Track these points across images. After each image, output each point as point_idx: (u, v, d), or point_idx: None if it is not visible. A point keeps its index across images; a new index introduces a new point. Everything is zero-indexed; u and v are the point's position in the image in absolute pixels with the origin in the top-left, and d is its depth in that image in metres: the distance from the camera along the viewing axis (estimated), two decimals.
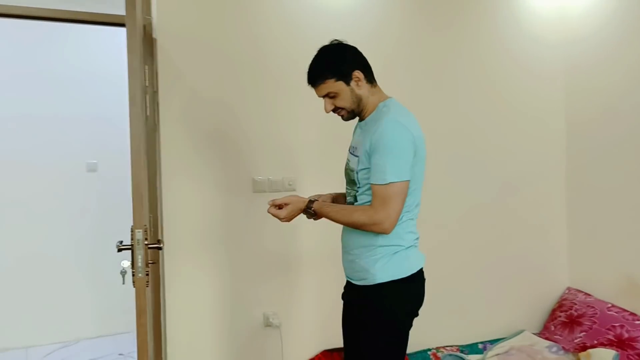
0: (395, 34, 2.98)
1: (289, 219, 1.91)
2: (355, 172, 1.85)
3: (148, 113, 2.56)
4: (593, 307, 3.13)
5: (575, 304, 3.24)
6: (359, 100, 1.86)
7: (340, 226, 1.98)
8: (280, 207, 1.91)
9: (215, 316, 2.72)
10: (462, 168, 3.21)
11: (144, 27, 2.49)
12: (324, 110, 1.92)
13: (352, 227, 1.83)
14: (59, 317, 3.88)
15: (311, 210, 1.89)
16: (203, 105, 2.66)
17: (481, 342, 3.21)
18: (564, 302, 3.35)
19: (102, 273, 3.92)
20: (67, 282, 3.91)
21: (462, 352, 3.09)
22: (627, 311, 2.99)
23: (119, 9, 2.63)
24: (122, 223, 3.28)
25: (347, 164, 1.96)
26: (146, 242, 1.77)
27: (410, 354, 2.91)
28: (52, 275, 3.88)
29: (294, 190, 2.82)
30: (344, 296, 2.06)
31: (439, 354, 2.99)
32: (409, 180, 1.75)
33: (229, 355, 2.75)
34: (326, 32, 2.83)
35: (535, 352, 3.00)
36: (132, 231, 1.77)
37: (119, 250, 1.83)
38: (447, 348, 3.10)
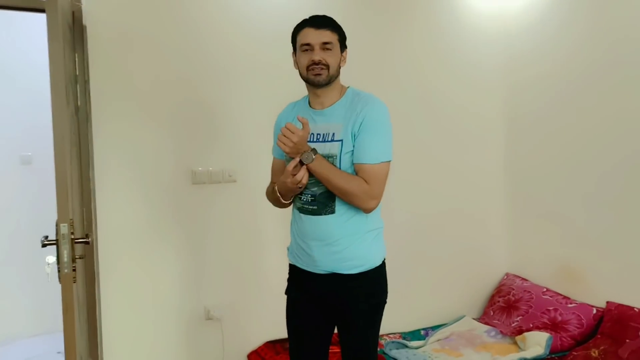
0: None
1: (296, 147, 1.73)
2: (336, 157, 1.79)
3: (79, 103, 2.47)
4: (529, 291, 3.23)
5: (513, 289, 3.34)
6: (337, 71, 1.85)
7: (288, 217, 1.96)
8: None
9: (154, 311, 2.67)
10: (401, 157, 3.21)
11: (73, 13, 2.40)
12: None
13: (341, 192, 1.76)
14: None
15: (314, 155, 1.74)
16: (137, 94, 2.58)
17: (423, 329, 3.27)
18: (502, 287, 3.45)
19: (38, 270, 3.77)
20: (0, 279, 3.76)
21: (404, 338, 3.14)
22: (561, 295, 3.10)
23: None
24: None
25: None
26: (72, 237, 1.71)
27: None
28: None
29: (235, 181, 2.78)
30: (306, 291, 1.95)
31: (382, 342, 3.02)
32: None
33: (169, 349, 2.71)
34: (265, 19, 2.82)
35: (474, 337, 3.08)
36: (56, 225, 1.71)
37: (44, 245, 1.76)
38: (390, 335, 3.14)
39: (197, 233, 2.73)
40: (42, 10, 2.54)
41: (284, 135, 1.73)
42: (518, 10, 3.40)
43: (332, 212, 1.82)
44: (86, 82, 2.49)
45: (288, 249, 2.06)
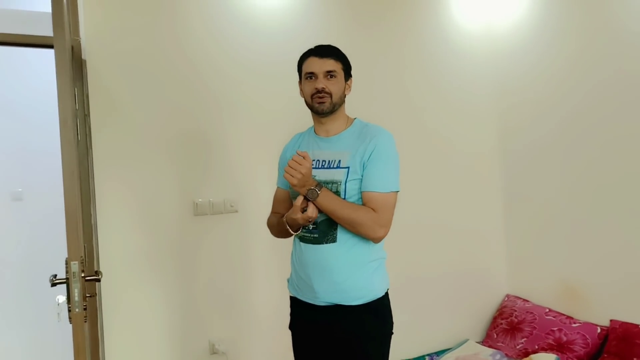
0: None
1: (304, 179, 1.72)
2: (340, 183, 1.79)
3: (79, 137, 2.44)
4: (532, 312, 3.23)
5: (515, 311, 3.34)
6: (342, 100, 1.88)
7: (288, 249, 1.94)
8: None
9: (159, 346, 2.61)
10: None
11: (72, 48, 2.38)
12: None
13: (348, 222, 1.75)
14: None
15: (318, 191, 1.74)
16: (137, 127, 2.57)
17: (428, 354, 3.24)
18: (504, 309, 3.44)
19: (31, 311, 3.67)
20: None
21: None
22: (564, 315, 3.11)
23: (41, 30, 2.50)
24: (52, 254, 3.11)
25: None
26: (83, 274, 1.67)
27: None
28: None
29: (237, 211, 2.76)
30: (309, 323, 1.91)
31: None
32: None
33: None
34: (258, 47, 2.84)
35: None
36: (66, 263, 1.66)
37: (53, 284, 1.71)
38: None
39: (201, 265, 2.69)
40: (44, 46, 2.54)
41: (291, 167, 1.72)
42: (506, 29, 3.47)
43: (334, 240, 1.80)
44: (86, 117, 2.47)
45: (288, 280, 2.02)
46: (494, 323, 3.44)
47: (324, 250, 1.82)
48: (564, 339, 2.96)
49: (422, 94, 3.34)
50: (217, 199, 2.73)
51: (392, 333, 1.91)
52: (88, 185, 2.49)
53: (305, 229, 1.85)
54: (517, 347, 3.13)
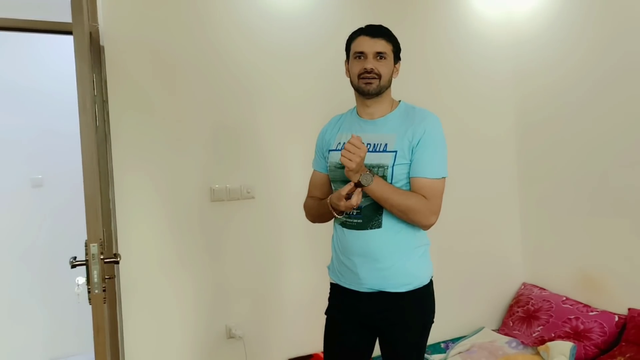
0: (343, 40, 2.99)
1: (359, 162, 1.63)
2: (387, 167, 1.74)
3: (98, 123, 2.46)
4: (549, 301, 3.21)
5: (532, 299, 3.32)
6: (389, 83, 1.82)
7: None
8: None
9: (176, 330, 2.64)
10: None
11: (90, 34, 2.40)
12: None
13: (400, 210, 1.70)
14: (7, 343, 3.68)
15: (372, 177, 1.66)
16: (155, 113, 2.58)
17: (443, 342, 3.24)
18: (520, 297, 3.42)
19: (52, 293, 3.74)
20: (14, 305, 3.71)
21: (425, 352, 3.10)
22: (581, 303, 3.08)
23: (60, 16, 2.53)
24: (72, 240, 3.16)
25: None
26: (102, 257, 1.70)
27: (374, 358, 2.90)
28: None
29: (253, 197, 2.77)
30: (350, 310, 1.87)
31: None
32: None
33: None
34: (279, 34, 2.84)
35: (496, 349, 3.05)
36: (86, 246, 1.69)
37: (73, 266, 1.74)
38: None
39: (217, 251, 2.72)
40: (63, 32, 2.57)
41: (349, 151, 1.62)
42: (526, 16, 3.42)
43: (379, 226, 1.76)
44: (104, 102, 2.49)
45: (329, 267, 1.97)
46: (510, 311, 3.43)
47: (369, 236, 1.77)
48: (581, 327, 2.94)
49: (442, 79, 3.31)
50: (234, 185, 2.74)
51: (433, 322, 1.88)
52: (107, 171, 2.52)
53: (347, 214, 1.79)
54: (534, 335, 3.11)
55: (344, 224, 1.83)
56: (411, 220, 1.74)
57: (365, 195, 1.72)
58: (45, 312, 3.76)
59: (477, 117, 3.44)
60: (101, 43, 2.50)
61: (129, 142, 2.52)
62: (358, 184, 1.66)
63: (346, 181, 1.72)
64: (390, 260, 1.76)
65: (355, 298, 1.83)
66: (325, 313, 1.96)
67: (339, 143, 1.87)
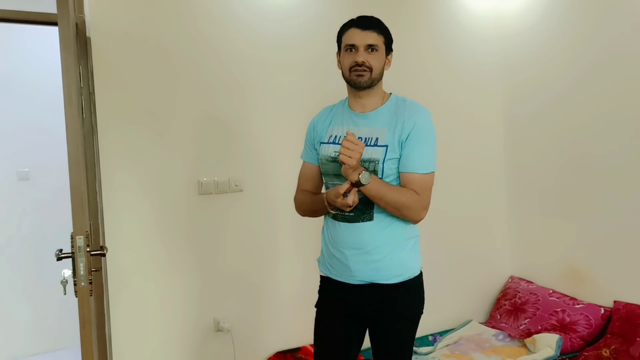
0: (333, 31, 2.98)
1: (359, 159, 1.62)
2: (377, 162, 1.74)
3: (84, 115, 2.44)
4: (535, 294, 3.24)
5: (519, 292, 3.34)
6: (381, 75, 1.81)
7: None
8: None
9: (164, 323, 2.64)
10: None
11: (76, 25, 2.38)
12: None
13: (394, 206, 1.70)
14: None
15: (369, 175, 1.64)
16: (142, 105, 2.56)
17: (431, 334, 3.25)
18: (507, 290, 3.45)
19: (38, 287, 3.72)
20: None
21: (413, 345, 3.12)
22: (567, 296, 3.11)
23: (46, 7, 2.49)
24: (59, 233, 3.14)
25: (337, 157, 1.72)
26: (88, 249, 1.68)
27: (363, 351, 2.91)
28: None
29: (241, 190, 2.77)
30: (340, 303, 1.87)
31: None
32: None
33: None
34: (268, 25, 2.83)
35: (483, 341, 3.08)
36: (72, 238, 1.68)
37: (59, 259, 1.72)
38: None
39: (205, 244, 2.71)
40: (49, 23, 2.53)
41: (347, 148, 1.61)
42: (514, 11, 3.44)
43: (370, 219, 1.76)
44: (91, 94, 2.47)
45: (318, 260, 1.96)
46: (497, 304, 3.45)
47: (361, 228, 1.77)
48: (567, 319, 2.97)
49: (431, 71, 3.31)
50: (222, 178, 2.73)
51: (422, 313, 1.88)
52: (93, 163, 2.50)
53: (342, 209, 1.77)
54: (520, 327, 3.14)
55: (335, 217, 1.83)
56: (403, 216, 1.75)
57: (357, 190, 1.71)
58: (30, 306, 3.74)
59: (464, 110, 3.44)
60: (87, 34, 2.47)
61: (115, 134, 2.50)
62: (356, 184, 1.65)
63: (338, 174, 1.72)
64: (382, 252, 1.77)
65: (346, 290, 1.83)
66: (315, 306, 1.96)
67: (331, 136, 1.86)
